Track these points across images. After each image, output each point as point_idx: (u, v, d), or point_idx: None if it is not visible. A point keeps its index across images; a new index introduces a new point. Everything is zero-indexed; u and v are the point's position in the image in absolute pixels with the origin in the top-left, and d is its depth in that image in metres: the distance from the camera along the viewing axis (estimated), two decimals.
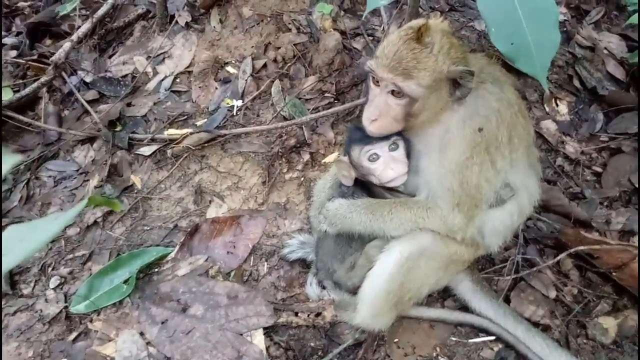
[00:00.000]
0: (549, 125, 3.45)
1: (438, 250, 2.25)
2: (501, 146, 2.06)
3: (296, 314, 2.51)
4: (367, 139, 2.17)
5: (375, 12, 3.72)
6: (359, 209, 2.24)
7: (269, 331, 2.50)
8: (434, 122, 2.07)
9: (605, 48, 3.93)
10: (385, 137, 2.16)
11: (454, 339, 2.53)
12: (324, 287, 2.60)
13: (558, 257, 2.55)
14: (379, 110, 2.04)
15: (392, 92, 2.01)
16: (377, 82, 2.05)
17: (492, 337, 2.48)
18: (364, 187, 2.37)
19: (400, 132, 2.18)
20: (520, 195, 2.27)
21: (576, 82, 3.68)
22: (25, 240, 0.99)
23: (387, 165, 2.18)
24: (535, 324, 2.50)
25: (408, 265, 2.22)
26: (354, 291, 2.45)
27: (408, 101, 1.98)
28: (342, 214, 2.25)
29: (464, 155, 2.03)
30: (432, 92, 1.96)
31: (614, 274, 2.60)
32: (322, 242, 2.51)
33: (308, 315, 2.47)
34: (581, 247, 2.52)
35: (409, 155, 2.22)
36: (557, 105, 3.60)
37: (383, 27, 3.57)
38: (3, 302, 2.71)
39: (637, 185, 3.09)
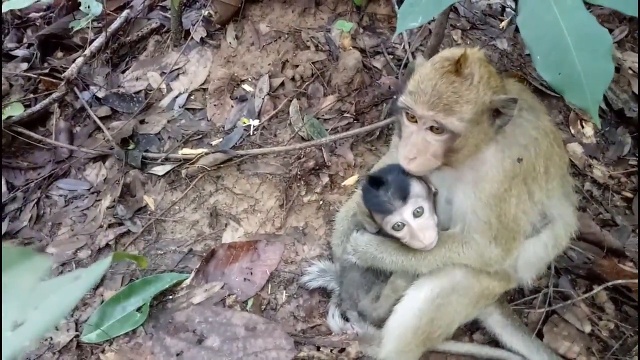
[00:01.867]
0: (575, 148, 3.34)
1: (470, 285, 2.14)
2: (538, 177, 1.98)
3: (318, 349, 2.39)
4: (386, 205, 2.03)
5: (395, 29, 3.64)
6: (390, 249, 2.15)
7: None
8: (474, 155, 1.96)
9: (630, 68, 3.83)
10: (407, 200, 2.02)
11: None
12: (347, 319, 2.48)
13: (594, 291, 2.43)
14: (416, 149, 1.90)
15: (432, 128, 1.88)
16: (413, 118, 1.92)
17: None
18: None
19: (426, 183, 2.10)
20: (556, 226, 2.18)
21: (602, 104, 3.57)
22: (47, 304, 0.88)
23: (414, 236, 2.05)
24: None
25: (439, 301, 2.12)
26: (379, 324, 2.34)
27: (449, 137, 1.86)
28: (372, 253, 2.16)
29: (502, 187, 1.94)
30: (475, 125, 1.85)
31: None
32: (347, 271, 2.40)
33: (331, 351, 2.35)
34: (619, 281, 2.40)
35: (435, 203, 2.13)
36: (582, 127, 3.50)
37: (404, 46, 3.48)
38: None
39: None
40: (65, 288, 0.91)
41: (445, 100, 1.79)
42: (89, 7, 3.51)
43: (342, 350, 2.35)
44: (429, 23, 3.31)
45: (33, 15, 4.55)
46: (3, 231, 3.06)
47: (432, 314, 2.14)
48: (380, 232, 2.22)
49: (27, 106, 3.54)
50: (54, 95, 3.49)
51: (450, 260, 2.07)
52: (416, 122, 1.90)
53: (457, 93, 1.79)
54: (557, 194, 2.11)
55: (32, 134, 3.40)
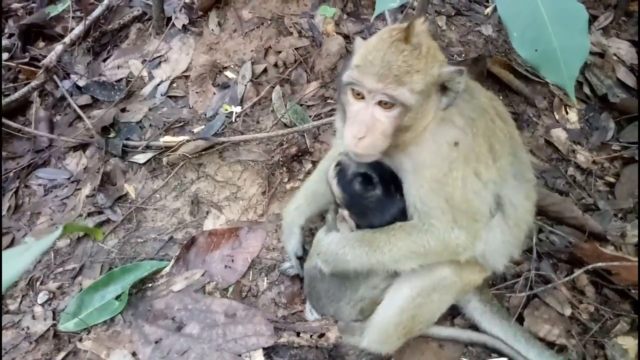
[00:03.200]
0: (559, 134, 3.33)
1: (452, 283, 2.09)
2: (482, 157, 1.88)
3: (298, 334, 2.36)
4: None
5: (380, 16, 3.60)
6: (351, 242, 2.01)
7: (269, 351, 2.36)
8: (417, 138, 1.86)
9: (615, 54, 3.83)
10: None
11: (464, 359, 2.40)
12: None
13: (574, 274, 2.42)
14: (365, 126, 1.76)
15: (380, 104, 1.77)
16: (359, 95, 1.80)
17: (505, 359, 2.35)
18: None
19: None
20: (506, 208, 2.06)
21: (586, 89, 3.57)
22: None
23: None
24: (551, 344, 2.37)
25: (420, 300, 2.09)
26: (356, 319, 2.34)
27: (400, 111, 1.75)
28: (334, 250, 2.03)
29: (442, 171, 1.85)
30: (424, 98, 1.76)
31: (632, 291, 2.47)
32: (313, 282, 2.33)
33: (311, 336, 2.33)
34: (599, 264, 2.39)
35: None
36: (567, 113, 3.49)
37: None
38: None
39: None
40: (15, 258, 0.90)
41: (395, 71, 1.69)
42: None
43: (322, 335, 2.33)
44: (412, 8, 3.28)
45: (15, 5, 4.47)
46: None
47: (414, 311, 2.11)
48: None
49: (6, 95, 3.48)
50: (33, 84, 3.44)
51: (419, 255, 1.96)
52: (363, 98, 1.79)
53: (407, 62, 1.69)
54: (507, 174, 2.01)
55: (11, 123, 3.34)
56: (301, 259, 2.52)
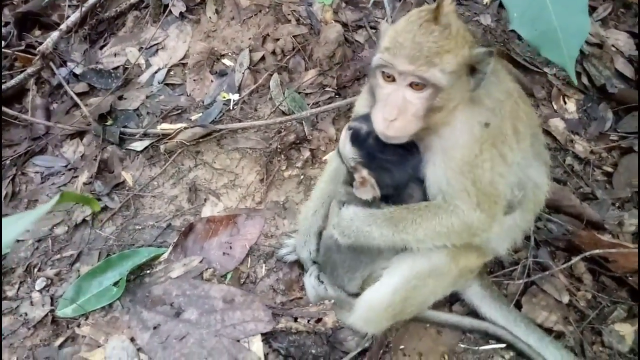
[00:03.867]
0: (557, 124, 3.33)
1: (448, 270, 2.10)
2: (508, 139, 1.90)
3: (296, 320, 2.37)
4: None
5: (378, 3, 3.60)
6: (378, 220, 1.99)
7: (267, 337, 2.36)
8: (449, 118, 1.86)
9: (613, 45, 3.82)
10: None
11: (462, 345, 2.41)
12: (320, 280, 2.43)
13: (572, 261, 2.43)
14: (397, 109, 1.76)
15: (412, 85, 1.77)
16: (390, 77, 1.80)
17: (504, 345, 2.36)
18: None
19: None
20: (527, 189, 2.10)
21: (585, 80, 3.56)
22: None
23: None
24: (549, 331, 2.38)
25: (415, 282, 2.09)
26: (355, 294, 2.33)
27: (432, 93, 1.75)
28: (358, 226, 2.01)
29: (473, 153, 1.86)
30: (456, 79, 1.75)
31: (630, 278, 2.48)
32: (329, 252, 2.32)
33: (308, 321, 2.34)
34: (597, 251, 2.40)
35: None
36: (565, 102, 3.49)
37: (386, 19, 3.43)
38: None
39: None
40: (15, 222, 0.90)
41: (426, 52, 1.68)
42: None
43: (319, 320, 2.34)
44: None
45: None
46: None
47: (407, 293, 2.11)
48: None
49: (2, 83, 3.45)
50: (29, 70, 3.42)
51: (440, 234, 1.97)
52: (394, 81, 1.79)
53: (437, 43, 1.69)
54: (529, 154, 2.05)
55: (8, 110, 3.33)
56: (316, 262, 2.51)
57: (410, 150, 1.96)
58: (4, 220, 0.88)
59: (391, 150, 1.93)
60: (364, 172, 1.99)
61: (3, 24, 4.12)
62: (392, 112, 1.78)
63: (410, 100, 1.78)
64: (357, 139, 1.99)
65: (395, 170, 1.98)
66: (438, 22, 1.70)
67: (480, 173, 1.87)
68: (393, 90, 1.79)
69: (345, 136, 2.04)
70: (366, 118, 1.95)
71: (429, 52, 1.69)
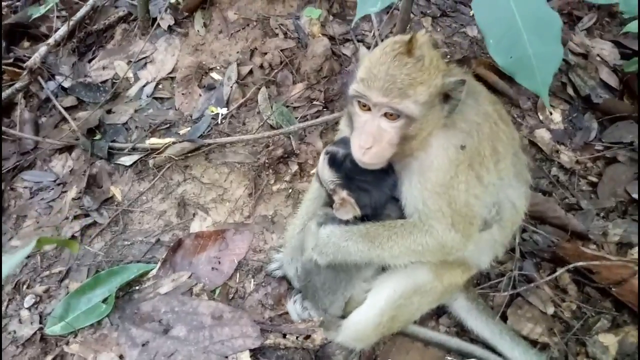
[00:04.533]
0: (543, 134, 3.37)
1: (433, 287, 2.16)
2: (485, 160, 1.95)
3: (284, 336, 2.38)
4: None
5: (366, 17, 3.62)
6: (355, 236, 2.05)
7: (255, 353, 2.37)
8: (421, 148, 1.91)
9: (598, 55, 3.87)
10: None
11: (449, 358, 2.43)
12: (304, 307, 2.47)
13: (556, 273, 2.47)
14: (372, 138, 1.83)
15: (386, 115, 1.83)
16: (366, 106, 1.86)
17: None
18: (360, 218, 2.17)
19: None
20: (503, 208, 2.14)
21: (570, 90, 3.61)
22: None
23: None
24: (534, 342, 2.42)
25: (401, 302, 2.14)
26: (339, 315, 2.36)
27: (405, 122, 1.81)
28: (335, 243, 2.07)
29: (448, 175, 1.90)
30: (429, 109, 1.81)
31: (613, 289, 2.52)
32: (309, 276, 2.35)
33: (297, 337, 2.35)
34: (580, 263, 2.44)
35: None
36: (551, 113, 3.53)
37: (373, 33, 3.47)
38: None
39: (633, 196, 3.02)
40: None
41: (399, 85, 1.75)
42: None
43: (308, 337, 2.35)
44: (398, 9, 3.29)
45: None
46: None
47: (394, 312, 2.16)
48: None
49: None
50: (16, 85, 3.41)
51: (417, 253, 2.02)
52: (369, 110, 1.85)
53: (410, 75, 1.75)
54: (509, 175, 2.09)
55: None
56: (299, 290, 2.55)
57: (386, 171, 2.02)
58: None
59: (368, 172, 1.98)
60: (343, 193, 2.04)
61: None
62: (367, 140, 1.84)
63: (385, 129, 1.84)
64: (334, 162, 2.06)
65: (373, 190, 2.04)
66: (412, 55, 1.76)
67: (455, 194, 1.91)
68: (369, 118, 1.86)
69: (323, 160, 2.10)
70: (345, 141, 2.00)
71: (402, 85, 1.75)
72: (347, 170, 2.04)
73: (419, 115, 1.79)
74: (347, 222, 2.10)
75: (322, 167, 2.11)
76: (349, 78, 1.94)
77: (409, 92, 1.75)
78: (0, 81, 3.49)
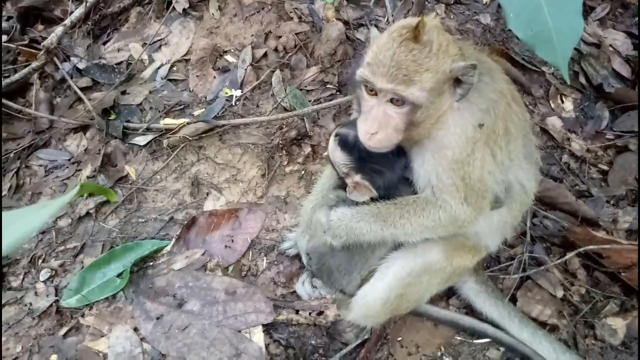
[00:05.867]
0: (554, 122, 3.39)
1: (442, 268, 2.17)
2: (499, 139, 1.96)
3: (297, 312, 2.42)
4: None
5: (380, 2, 3.64)
6: (367, 216, 2.05)
7: (268, 328, 2.42)
8: (435, 127, 1.91)
9: (611, 45, 3.87)
10: None
11: (458, 338, 2.47)
12: (314, 286, 2.50)
13: (566, 257, 2.49)
14: (378, 123, 1.83)
15: (392, 101, 1.82)
16: (372, 91, 1.85)
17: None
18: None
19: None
20: (513, 189, 2.16)
21: (582, 79, 3.62)
22: (11, 229, 0.89)
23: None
24: (543, 324, 2.44)
25: (409, 280, 2.16)
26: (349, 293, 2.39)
27: (411, 109, 1.80)
28: (347, 225, 2.07)
29: (465, 152, 1.91)
30: (436, 95, 1.80)
31: (622, 274, 2.54)
32: (322, 258, 2.36)
33: (309, 314, 2.38)
34: (591, 247, 2.46)
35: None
36: (562, 101, 3.54)
37: (387, 18, 3.48)
38: None
39: None
40: (33, 214, 0.94)
41: (404, 71, 1.73)
42: None
43: (320, 313, 2.39)
44: None
45: None
46: None
47: (402, 290, 2.18)
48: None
49: (6, 77, 3.49)
50: (33, 65, 3.44)
51: (427, 228, 2.03)
52: (376, 95, 1.84)
53: (416, 61, 1.73)
54: (518, 156, 2.10)
55: (11, 104, 3.36)
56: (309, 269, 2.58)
57: (397, 152, 2.02)
58: (21, 211, 0.91)
59: (380, 154, 1.99)
60: (357, 177, 2.06)
61: (6, 18, 4.15)
62: (373, 125, 1.84)
63: (391, 115, 1.84)
64: (345, 144, 2.06)
65: (387, 171, 2.05)
66: (418, 41, 1.74)
67: (470, 170, 1.92)
68: (375, 103, 1.85)
69: (333, 143, 2.11)
70: (354, 123, 2.02)
71: (407, 71, 1.73)
72: (359, 152, 2.04)
73: (425, 102, 1.78)
74: (357, 203, 2.12)
75: (334, 150, 2.12)
76: (358, 61, 1.94)
77: (415, 78, 1.74)
78: None
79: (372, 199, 2.13)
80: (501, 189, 2.08)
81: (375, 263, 2.28)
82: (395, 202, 2.06)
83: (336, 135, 2.11)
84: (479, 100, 1.90)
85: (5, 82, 3.39)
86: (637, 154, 3.17)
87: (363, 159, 2.06)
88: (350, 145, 2.06)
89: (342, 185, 2.25)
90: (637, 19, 3.74)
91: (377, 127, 1.84)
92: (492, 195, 2.04)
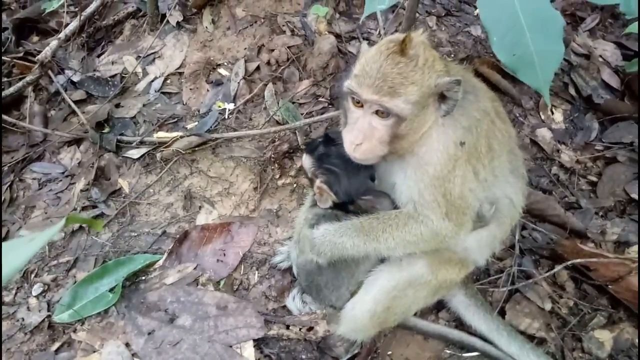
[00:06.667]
0: (544, 133, 3.42)
1: (427, 281, 2.19)
2: (481, 156, 1.99)
3: (287, 327, 2.44)
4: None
5: (371, 15, 3.67)
6: (349, 231, 2.07)
7: (259, 343, 2.43)
8: (419, 143, 1.94)
9: (601, 56, 3.91)
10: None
11: (448, 351, 2.48)
12: (304, 302, 2.53)
13: (554, 270, 2.51)
14: (363, 134, 1.87)
15: (377, 113, 1.87)
16: (359, 103, 1.89)
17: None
18: (341, 207, 2.23)
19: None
20: (501, 204, 2.19)
21: (572, 90, 3.65)
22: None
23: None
24: (531, 337, 2.46)
25: (395, 293, 2.18)
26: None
27: (395, 121, 1.84)
28: (331, 240, 2.09)
29: (446, 169, 1.94)
30: (420, 109, 1.84)
31: (610, 287, 2.56)
32: (310, 276, 2.39)
33: (300, 329, 2.41)
34: (578, 260, 2.48)
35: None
36: (552, 113, 3.57)
37: (379, 31, 3.51)
38: None
39: (632, 196, 3.07)
40: (20, 248, 0.96)
41: (390, 83, 1.77)
42: None
43: (311, 328, 2.41)
44: (403, 8, 3.34)
45: None
46: None
47: (388, 303, 2.20)
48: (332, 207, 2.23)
49: (1, 90, 3.51)
50: (27, 79, 3.47)
51: (409, 242, 2.05)
52: (362, 106, 1.88)
53: (402, 74, 1.78)
54: (504, 171, 2.13)
55: (6, 117, 3.38)
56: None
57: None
58: (10, 243, 0.94)
59: (338, 156, 2.06)
60: (318, 181, 2.12)
61: (1, 29, 4.18)
62: (358, 136, 1.89)
63: (376, 127, 1.88)
64: (311, 149, 2.16)
65: (341, 173, 2.11)
66: (405, 54, 1.78)
67: (451, 187, 1.95)
68: (360, 115, 1.89)
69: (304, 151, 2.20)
70: (334, 132, 2.09)
71: (392, 83, 1.78)
72: (318, 153, 2.13)
73: (409, 114, 1.82)
74: (337, 216, 2.16)
75: (304, 158, 2.20)
76: (346, 74, 1.98)
77: (400, 91, 1.78)
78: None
79: (339, 207, 2.18)
80: (484, 205, 2.11)
81: (363, 277, 2.31)
82: (377, 217, 2.09)
83: (305, 143, 2.17)
84: (462, 118, 1.94)
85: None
86: (638, 164, 3.19)
87: (321, 161, 2.14)
88: (313, 149, 2.16)
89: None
90: (626, 29, 3.77)
91: (362, 138, 1.89)
92: (473, 211, 2.07)
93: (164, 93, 3.52)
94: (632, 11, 1.52)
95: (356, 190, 2.15)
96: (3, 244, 0.98)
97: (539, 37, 1.65)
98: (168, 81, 3.57)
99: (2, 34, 4.05)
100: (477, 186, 2.01)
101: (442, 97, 1.88)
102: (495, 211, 2.14)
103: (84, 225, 2.96)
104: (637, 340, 2.46)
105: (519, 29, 1.66)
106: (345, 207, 2.19)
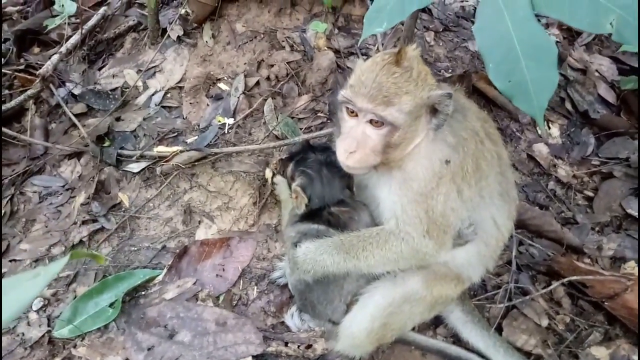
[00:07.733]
0: (540, 148, 3.46)
1: (422, 297, 2.21)
2: (467, 176, 2.00)
3: (286, 344, 2.45)
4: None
5: None
6: (329, 248, 2.11)
7: (257, 359, 2.45)
8: (408, 157, 1.98)
9: (597, 71, 3.96)
10: None
11: None
12: (302, 319, 2.55)
13: (551, 287, 2.54)
14: (356, 142, 1.91)
15: (371, 122, 1.91)
16: (353, 112, 1.94)
17: None
18: (318, 216, 2.27)
19: None
20: (486, 225, 2.20)
21: (568, 105, 3.70)
22: (8, 298, 0.93)
23: None
24: (528, 354, 2.48)
25: (391, 310, 2.20)
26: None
27: (389, 130, 1.88)
28: (312, 258, 2.13)
29: (430, 186, 1.97)
30: (413, 119, 1.89)
31: (606, 303, 2.59)
32: (304, 294, 2.42)
33: (298, 347, 2.42)
34: (574, 277, 2.51)
35: None
36: (549, 128, 3.61)
37: (377, 47, 3.55)
38: None
39: (628, 211, 3.10)
40: (25, 285, 0.97)
41: (385, 92, 1.82)
42: (63, 5, 3.51)
43: (309, 346, 2.43)
44: (401, 24, 3.38)
45: (9, 9, 4.51)
46: None
47: (385, 319, 2.22)
48: (313, 219, 2.27)
49: (2, 102, 3.53)
50: (29, 92, 3.50)
51: (390, 260, 2.08)
52: (356, 116, 1.93)
53: (396, 84, 1.83)
54: (492, 193, 2.14)
55: (6, 130, 3.39)
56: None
57: (338, 168, 2.09)
58: (16, 278, 0.95)
59: (313, 160, 2.16)
60: (294, 184, 2.19)
61: (2, 40, 4.20)
62: (352, 144, 1.92)
63: (370, 135, 1.92)
64: (291, 155, 2.25)
65: (314, 175, 2.18)
66: (400, 65, 1.84)
67: (433, 204, 1.98)
68: (354, 124, 1.94)
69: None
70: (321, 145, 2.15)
71: (387, 92, 1.83)
72: (297, 158, 2.20)
73: (402, 123, 1.86)
74: (319, 233, 2.19)
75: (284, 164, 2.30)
76: (340, 86, 2.03)
77: (394, 100, 1.83)
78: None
79: (330, 222, 2.22)
80: (466, 225, 2.12)
81: (354, 286, 2.32)
82: (358, 234, 2.12)
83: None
84: (449, 137, 1.97)
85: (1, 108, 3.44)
86: (638, 180, 3.22)
87: (299, 164, 2.22)
88: (294, 155, 2.24)
89: (300, 219, 2.33)
90: (622, 46, 3.82)
91: (355, 146, 1.92)
92: (454, 231, 2.08)
93: (164, 107, 3.54)
94: (627, 41, 1.55)
95: (330, 197, 2.21)
96: (4, 280, 0.98)
97: (534, 65, 1.69)
98: (168, 95, 3.59)
99: (4, 45, 4.08)
100: (461, 205, 2.02)
101: (433, 111, 1.93)
102: (480, 231, 2.16)
103: (84, 239, 2.97)
104: (633, 357, 2.48)
105: (514, 56, 1.70)
106: (320, 214, 2.23)
